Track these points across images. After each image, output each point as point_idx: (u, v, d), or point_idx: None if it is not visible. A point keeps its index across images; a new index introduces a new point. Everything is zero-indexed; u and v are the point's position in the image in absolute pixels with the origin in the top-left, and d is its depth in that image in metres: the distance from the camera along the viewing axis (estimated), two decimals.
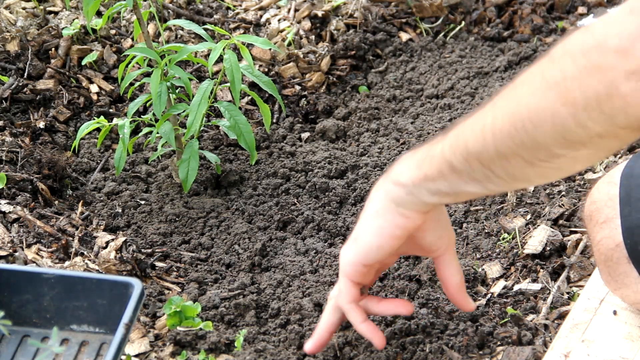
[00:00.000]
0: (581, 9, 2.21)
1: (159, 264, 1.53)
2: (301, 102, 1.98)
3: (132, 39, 2.04)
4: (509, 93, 0.92)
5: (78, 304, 1.21)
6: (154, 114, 1.63)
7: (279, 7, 2.19)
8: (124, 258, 1.48)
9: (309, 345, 1.23)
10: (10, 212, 1.55)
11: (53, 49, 1.98)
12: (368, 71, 2.09)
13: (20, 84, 1.87)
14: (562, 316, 1.35)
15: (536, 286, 1.41)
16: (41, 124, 1.81)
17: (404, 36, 2.17)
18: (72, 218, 1.61)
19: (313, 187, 1.72)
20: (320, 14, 2.15)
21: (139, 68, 1.63)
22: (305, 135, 1.90)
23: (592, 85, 0.82)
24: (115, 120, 1.61)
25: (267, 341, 1.35)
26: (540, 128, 0.87)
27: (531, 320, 1.34)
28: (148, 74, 1.59)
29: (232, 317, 1.40)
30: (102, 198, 1.70)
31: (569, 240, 1.48)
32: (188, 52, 1.55)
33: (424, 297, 1.40)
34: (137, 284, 1.16)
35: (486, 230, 1.57)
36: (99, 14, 2.08)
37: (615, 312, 1.31)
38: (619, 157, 1.63)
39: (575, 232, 1.51)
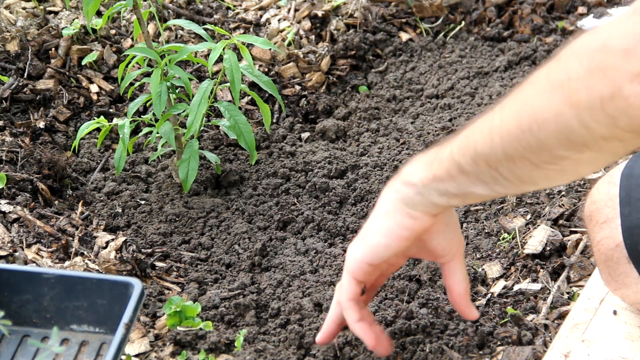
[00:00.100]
0: (581, 9, 2.22)
1: (159, 264, 1.53)
2: (301, 102, 1.98)
3: (132, 39, 2.04)
4: (516, 95, 0.92)
5: (78, 304, 1.21)
6: (154, 114, 1.62)
7: (279, 7, 2.19)
8: (124, 258, 1.48)
9: (318, 337, 1.24)
10: (10, 212, 1.55)
11: (53, 49, 1.98)
12: (368, 71, 2.09)
13: (20, 84, 1.87)
14: (562, 316, 1.35)
15: (536, 286, 1.41)
16: (41, 124, 1.81)
17: (404, 36, 2.17)
18: (72, 218, 1.61)
19: (313, 187, 1.72)
20: (320, 14, 2.15)
21: (139, 68, 1.63)
22: (305, 135, 1.90)
23: (596, 87, 0.81)
24: (115, 120, 1.61)
25: (267, 341, 1.35)
26: (545, 129, 0.87)
27: (531, 320, 1.34)
28: (148, 74, 1.59)
29: (232, 317, 1.40)
30: (102, 198, 1.70)
31: (569, 240, 1.48)
32: (188, 52, 1.55)
33: (424, 297, 1.40)
34: (137, 284, 1.16)
35: (486, 230, 1.57)
36: (99, 14, 2.08)
37: (615, 312, 1.31)
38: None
39: (575, 232, 1.51)
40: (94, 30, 2.04)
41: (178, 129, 1.65)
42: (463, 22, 2.20)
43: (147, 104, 1.83)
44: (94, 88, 1.95)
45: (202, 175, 1.73)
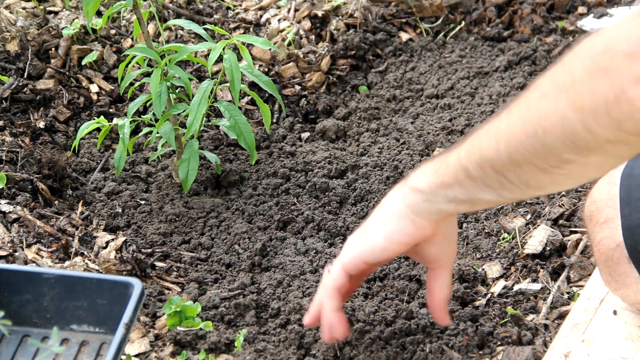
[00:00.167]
0: (581, 9, 2.21)
1: (159, 264, 1.53)
2: (301, 102, 1.98)
3: (132, 38, 2.04)
4: (522, 99, 0.92)
5: (78, 303, 1.21)
6: (154, 114, 1.62)
7: (279, 7, 2.19)
8: (124, 258, 1.48)
9: (305, 319, 1.25)
10: (10, 212, 1.55)
11: (53, 48, 1.98)
12: (368, 71, 2.09)
13: (20, 84, 1.87)
14: (562, 316, 1.35)
15: (536, 286, 1.41)
16: (41, 124, 1.81)
17: (404, 36, 2.17)
18: (72, 218, 1.61)
19: (313, 187, 1.72)
20: (320, 13, 2.15)
21: (139, 68, 1.63)
22: (305, 135, 1.90)
23: (601, 90, 0.81)
24: (115, 120, 1.61)
25: (267, 341, 1.35)
26: (551, 133, 0.87)
27: (531, 320, 1.34)
28: (148, 74, 1.59)
29: (232, 317, 1.40)
30: (102, 198, 1.70)
31: (569, 240, 1.48)
32: (188, 52, 1.55)
33: (424, 297, 1.40)
34: (137, 284, 1.16)
35: (486, 230, 1.57)
36: (99, 13, 2.08)
37: (615, 312, 1.31)
38: None
39: (575, 232, 1.51)
40: (94, 30, 2.04)
41: (178, 129, 1.65)
42: (463, 22, 2.20)
43: (147, 104, 1.83)
44: (94, 88, 1.95)
45: (202, 175, 1.73)
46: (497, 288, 1.44)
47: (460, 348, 1.30)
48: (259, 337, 1.35)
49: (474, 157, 0.98)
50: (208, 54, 1.66)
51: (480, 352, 1.30)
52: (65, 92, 1.90)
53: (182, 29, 2.08)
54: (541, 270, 1.44)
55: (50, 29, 2.02)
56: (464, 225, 1.60)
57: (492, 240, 1.55)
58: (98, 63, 2.00)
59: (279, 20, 2.14)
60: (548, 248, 1.47)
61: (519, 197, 1.01)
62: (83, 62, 1.95)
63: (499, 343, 1.31)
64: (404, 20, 2.20)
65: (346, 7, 2.17)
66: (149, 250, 1.55)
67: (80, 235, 1.55)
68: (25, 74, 1.91)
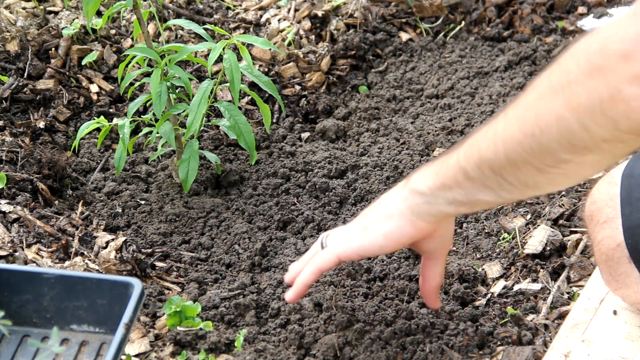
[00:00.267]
0: (581, 9, 2.22)
1: (159, 264, 1.53)
2: (301, 102, 1.98)
3: (132, 38, 2.04)
4: (519, 100, 0.93)
5: (78, 304, 1.21)
6: (154, 114, 1.62)
7: (279, 7, 2.19)
8: (124, 258, 1.48)
9: (286, 278, 1.31)
10: (10, 212, 1.55)
11: (53, 48, 1.98)
12: (368, 71, 2.09)
13: (20, 84, 1.87)
14: (562, 316, 1.35)
15: (536, 286, 1.41)
16: (41, 124, 1.81)
17: (404, 36, 2.17)
18: (72, 218, 1.61)
19: (313, 187, 1.72)
20: (320, 14, 2.14)
21: (139, 68, 1.63)
22: (305, 135, 1.90)
23: (596, 89, 0.82)
24: (115, 120, 1.61)
25: (267, 341, 1.35)
26: (547, 133, 0.88)
27: (531, 320, 1.34)
28: (148, 74, 1.59)
29: (232, 317, 1.40)
30: (102, 198, 1.70)
31: (569, 240, 1.48)
32: (188, 52, 1.55)
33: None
34: (137, 284, 1.16)
35: (486, 230, 1.57)
36: (99, 13, 2.08)
37: (615, 312, 1.31)
38: None
39: (575, 232, 1.51)
40: (94, 30, 2.03)
41: (178, 129, 1.65)
42: (463, 22, 2.20)
43: (147, 104, 1.83)
44: (94, 88, 1.95)
45: (202, 175, 1.73)
46: (497, 288, 1.44)
47: (460, 348, 1.30)
48: (259, 337, 1.35)
49: (472, 159, 1.00)
50: (208, 54, 1.66)
51: (480, 352, 1.30)
52: (65, 92, 1.90)
53: (182, 29, 2.08)
54: (541, 270, 1.44)
55: (50, 29, 2.02)
56: (464, 225, 1.60)
57: (492, 240, 1.55)
58: (98, 63, 2.00)
59: (279, 20, 2.14)
60: (548, 248, 1.47)
61: (517, 198, 1.02)
62: (83, 62, 1.95)
63: (499, 343, 1.31)
64: (404, 20, 2.20)
65: (346, 7, 2.17)
66: (149, 250, 1.55)
67: (80, 235, 1.55)
68: (25, 74, 1.91)
